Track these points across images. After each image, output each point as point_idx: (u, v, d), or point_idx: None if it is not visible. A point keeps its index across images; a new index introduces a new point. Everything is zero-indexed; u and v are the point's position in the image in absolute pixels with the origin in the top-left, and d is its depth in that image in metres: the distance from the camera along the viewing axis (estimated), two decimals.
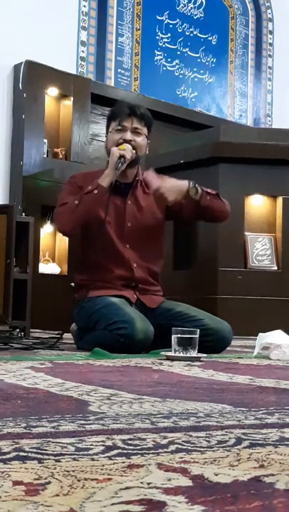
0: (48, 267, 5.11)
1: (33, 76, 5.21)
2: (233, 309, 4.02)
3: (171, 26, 6.78)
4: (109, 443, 0.77)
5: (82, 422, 0.92)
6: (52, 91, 5.34)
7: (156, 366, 1.95)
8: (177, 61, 6.81)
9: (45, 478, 0.61)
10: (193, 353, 2.18)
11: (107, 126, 2.78)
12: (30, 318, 3.32)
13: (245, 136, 4.41)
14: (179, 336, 2.19)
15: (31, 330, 3.41)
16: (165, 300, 2.78)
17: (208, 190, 2.71)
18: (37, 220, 4.19)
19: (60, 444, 0.76)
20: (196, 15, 6.99)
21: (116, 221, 2.72)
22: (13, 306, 3.07)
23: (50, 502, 0.53)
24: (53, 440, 0.78)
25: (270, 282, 4.21)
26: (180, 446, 0.77)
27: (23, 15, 5.45)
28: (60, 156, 5.34)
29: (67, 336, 2.93)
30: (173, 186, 2.62)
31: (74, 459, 0.69)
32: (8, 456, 0.69)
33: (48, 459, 0.69)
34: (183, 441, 0.80)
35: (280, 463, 0.70)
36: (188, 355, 2.17)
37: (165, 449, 0.75)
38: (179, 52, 6.82)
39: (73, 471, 0.64)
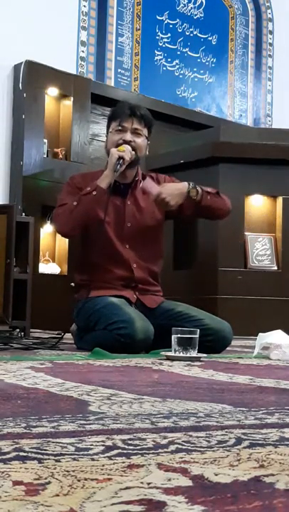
0: (48, 267, 5.11)
1: (33, 76, 5.21)
2: (233, 309, 4.02)
3: (171, 26, 6.78)
4: (109, 443, 0.77)
5: (82, 422, 0.92)
6: (52, 91, 5.34)
7: (156, 366, 1.95)
8: (177, 61, 6.81)
9: (45, 478, 0.61)
10: (193, 353, 2.18)
11: (108, 127, 2.78)
12: (30, 318, 3.32)
13: (245, 136, 4.41)
14: (179, 336, 2.19)
15: (31, 330, 3.41)
16: (165, 300, 2.78)
17: (208, 190, 2.71)
18: (37, 220, 4.19)
19: (60, 444, 0.76)
20: (196, 15, 6.99)
21: (115, 221, 2.72)
22: (13, 306, 3.07)
23: (50, 502, 0.53)
24: (53, 440, 0.78)
25: (270, 282, 4.21)
26: (180, 446, 0.77)
27: (23, 15, 5.45)
28: (60, 156, 5.34)
29: (68, 336, 2.93)
30: (173, 191, 2.62)
31: (74, 459, 0.69)
32: (8, 456, 0.69)
33: (48, 459, 0.69)
34: (183, 441, 0.80)
35: (280, 463, 0.70)
36: (188, 355, 2.17)
37: (165, 449, 0.75)
38: (179, 52, 6.82)
39: (73, 471, 0.64)
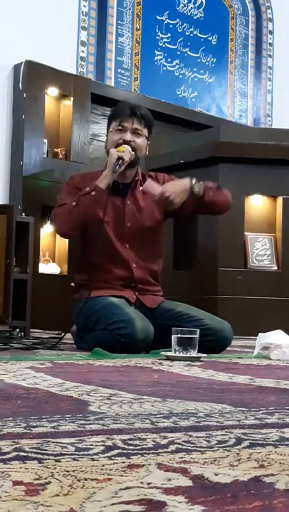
0: (48, 267, 5.11)
1: (33, 76, 5.21)
2: (233, 309, 4.02)
3: (171, 26, 6.78)
4: (109, 443, 0.77)
5: (82, 422, 0.92)
6: (52, 91, 5.34)
7: (156, 366, 1.95)
8: (177, 61, 6.81)
9: (45, 478, 0.61)
10: (193, 353, 2.18)
11: (108, 126, 2.78)
12: (30, 318, 3.32)
13: (245, 136, 4.41)
14: (178, 336, 2.19)
15: (31, 330, 3.41)
16: (165, 300, 2.78)
17: (210, 185, 2.70)
18: (37, 220, 4.19)
19: (60, 444, 0.76)
20: (196, 15, 6.99)
21: (115, 221, 2.72)
22: (13, 306, 3.07)
23: (50, 502, 0.53)
24: (53, 440, 0.78)
25: (270, 282, 4.21)
26: (180, 446, 0.77)
27: (23, 15, 5.45)
28: (60, 156, 5.35)
29: (68, 336, 2.93)
30: (177, 188, 2.61)
31: (74, 459, 0.69)
32: (8, 456, 0.69)
33: (48, 459, 0.69)
34: (183, 441, 0.80)
35: (280, 463, 0.70)
36: (188, 355, 2.17)
37: (165, 449, 0.75)
38: (179, 52, 6.82)
39: (73, 471, 0.64)
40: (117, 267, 2.71)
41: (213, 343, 2.51)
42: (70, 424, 0.90)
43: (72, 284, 2.84)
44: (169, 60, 6.74)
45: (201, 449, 0.76)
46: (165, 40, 6.73)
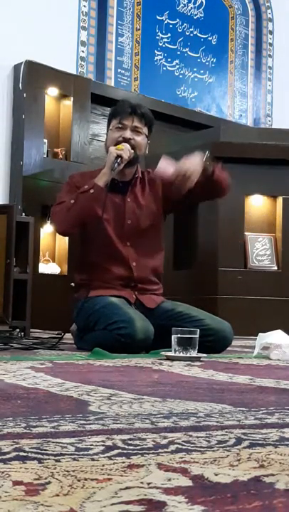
0: (48, 267, 5.11)
1: (33, 76, 5.21)
2: (233, 309, 4.02)
3: (171, 26, 6.78)
4: (109, 443, 0.77)
5: (82, 422, 0.92)
6: (52, 91, 5.35)
7: (156, 366, 1.95)
8: (177, 61, 6.81)
9: (45, 478, 0.61)
10: (193, 353, 2.18)
11: (108, 125, 2.77)
12: (30, 318, 3.32)
13: (245, 136, 4.41)
14: (178, 336, 2.19)
15: (31, 330, 3.41)
16: (165, 300, 2.78)
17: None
18: (37, 220, 4.19)
19: (60, 444, 0.76)
20: (196, 15, 6.99)
21: (115, 219, 2.71)
22: (13, 306, 3.07)
23: (50, 502, 0.53)
24: (53, 440, 0.78)
25: (270, 282, 4.21)
26: (180, 446, 0.77)
27: (23, 15, 5.45)
28: (60, 156, 5.35)
29: (68, 335, 2.93)
30: (192, 163, 2.51)
31: (74, 459, 0.69)
32: (8, 456, 0.69)
33: (48, 459, 0.69)
34: (183, 441, 0.80)
35: (280, 463, 0.70)
36: (188, 355, 2.17)
37: (165, 449, 0.75)
38: (179, 52, 6.83)
39: (73, 471, 0.64)
40: (116, 266, 2.70)
41: (213, 344, 2.51)
42: (70, 424, 0.90)
43: (72, 284, 2.83)
44: (169, 60, 6.74)
45: (201, 449, 0.76)
46: (165, 40, 6.73)
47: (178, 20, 6.83)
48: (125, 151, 2.61)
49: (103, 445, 0.76)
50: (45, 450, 0.73)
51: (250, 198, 4.34)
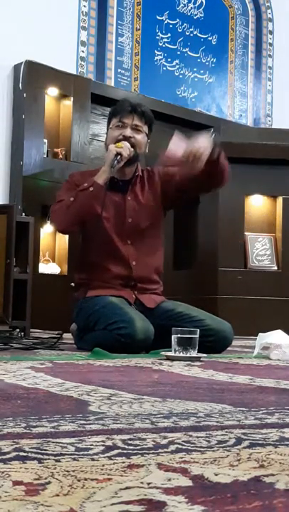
0: (48, 267, 5.11)
1: (33, 76, 5.21)
2: (233, 309, 4.02)
3: (171, 26, 6.78)
4: (109, 443, 0.77)
5: (82, 422, 0.92)
6: (52, 91, 5.35)
7: (156, 366, 1.95)
8: (177, 61, 6.81)
9: (45, 478, 0.61)
10: (193, 353, 2.18)
11: (108, 123, 2.77)
12: (30, 318, 3.32)
13: (245, 136, 4.42)
14: (178, 336, 2.19)
15: (31, 330, 3.41)
16: (165, 300, 2.78)
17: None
18: (37, 220, 4.19)
19: (60, 444, 0.76)
20: (196, 15, 6.99)
21: (115, 218, 2.71)
22: (13, 306, 3.07)
23: (50, 502, 0.53)
24: (53, 440, 0.78)
25: (270, 282, 4.22)
26: (180, 446, 0.77)
27: (23, 15, 5.45)
28: (60, 156, 5.35)
29: (68, 335, 2.93)
30: (202, 142, 2.47)
31: (74, 459, 0.69)
32: (8, 456, 0.69)
33: (48, 459, 0.69)
34: (183, 441, 0.80)
35: (280, 463, 0.70)
36: (188, 355, 2.17)
37: (165, 449, 0.75)
38: (179, 52, 6.82)
39: (73, 471, 0.64)
40: (116, 266, 2.70)
41: (213, 344, 2.51)
42: (70, 424, 0.90)
43: (72, 284, 2.84)
44: (169, 60, 6.74)
45: (201, 449, 0.76)
46: (165, 40, 6.73)
47: (178, 20, 6.83)
48: (125, 148, 2.61)
49: (103, 445, 0.76)
50: (45, 450, 0.73)
51: (250, 198, 4.34)
